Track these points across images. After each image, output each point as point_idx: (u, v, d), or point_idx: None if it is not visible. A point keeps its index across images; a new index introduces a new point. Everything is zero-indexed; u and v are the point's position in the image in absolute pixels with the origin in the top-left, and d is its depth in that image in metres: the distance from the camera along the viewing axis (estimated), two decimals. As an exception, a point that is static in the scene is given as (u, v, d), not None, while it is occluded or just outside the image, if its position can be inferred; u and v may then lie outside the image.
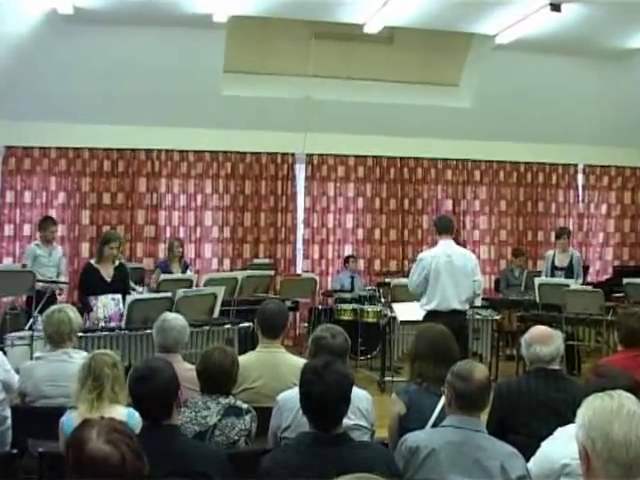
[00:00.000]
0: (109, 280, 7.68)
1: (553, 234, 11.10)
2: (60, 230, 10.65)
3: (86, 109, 10.47)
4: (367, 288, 11.17)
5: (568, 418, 2.93)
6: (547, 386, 4.17)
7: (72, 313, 4.83)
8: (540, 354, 4.20)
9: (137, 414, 3.47)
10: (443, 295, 7.08)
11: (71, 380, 4.05)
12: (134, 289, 9.00)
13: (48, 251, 9.07)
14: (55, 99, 10.25)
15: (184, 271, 9.62)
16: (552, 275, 9.93)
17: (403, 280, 9.94)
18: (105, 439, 2.17)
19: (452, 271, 7.10)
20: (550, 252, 10.34)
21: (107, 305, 7.53)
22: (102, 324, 7.36)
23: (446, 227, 7.40)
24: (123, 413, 3.65)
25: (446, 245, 7.25)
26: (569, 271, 9.93)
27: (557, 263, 10.05)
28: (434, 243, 7.67)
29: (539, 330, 4.34)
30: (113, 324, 7.35)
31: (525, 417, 4.10)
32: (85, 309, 7.42)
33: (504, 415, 4.16)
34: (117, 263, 7.81)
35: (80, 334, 5.84)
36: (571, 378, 4.61)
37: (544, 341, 4.22)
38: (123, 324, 7.10)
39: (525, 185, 12.75)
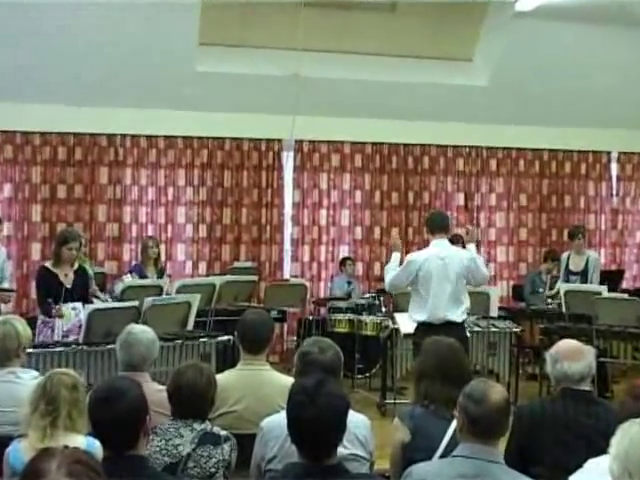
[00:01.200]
0: (69, 286, 7.66)
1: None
2: (5, 228, 10.59)
3: (37, 87, 10.42)
4: (366, 296, 11.18)
5: (601, 447, 2.92)
6: (576, 410, 4.17)
7: (20, 326, 4.81)
8: (568, 372, 4.19)
9: (97, 443, 3.45)
10: (435, 304, 7.13)
11: (18, 404, 4.02)
12: (98, 297, 8.99)
13: (-10, 253, 9.02)
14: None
15: (160, 276, 9.62)
16: (567, 281, 9.99)
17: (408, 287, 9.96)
18: (67, 471, 2.16)
19: (446, 276, 7.14)
20: (565, 254, 10.39)
21: (66, 316, 7.52)
22: (58, 337, 7.35)
23: (440, 225, 7.43)
24: (81, 442, 3.63)
25: (440, 246, 7.28)
26: (584, 276, 9.99)
27: (572, 267, 10.14)
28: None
29: (568, 344, 4.34)
30: (72, 338, 7.34)
31: (550, 446, 4.09)
32: (46, 315, 7.44)
33: (525, 443, 4.16)
34: (77, 266, 7.79)
35: (30, 350, 5.81)
36: (604, 401, 4.61)
37: (573, 357, 4.22)
38: (81, 338, 7.08)
39: (549, 176, 12.76)
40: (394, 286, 7.45)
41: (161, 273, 9.78)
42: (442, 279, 7.12)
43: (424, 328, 7.01)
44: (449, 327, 6.99)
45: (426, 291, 7.14)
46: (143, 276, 9.44)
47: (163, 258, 11.15)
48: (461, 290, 7.21)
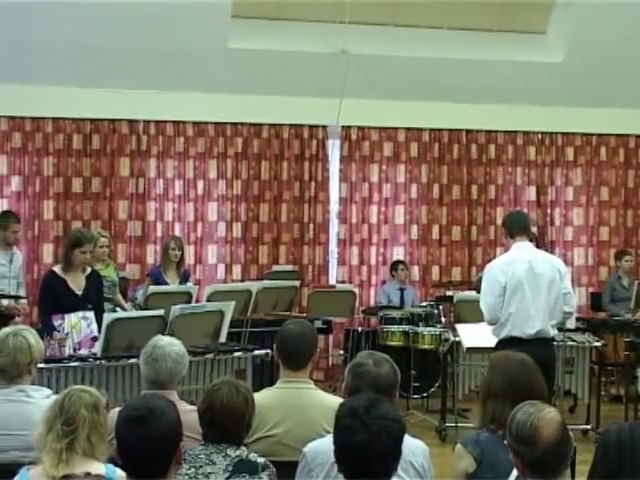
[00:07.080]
0: (80, 293, 7.72)
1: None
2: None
3: (47, 65, 10.53)
4: (422, 304, 11.16)
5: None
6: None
7: (32, 338, 4.81)
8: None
9: (118, 471, 3.46)
10: (524, 315, 7.00)
11: (29, 427, 4.04)
12: (123, 307, 9.05)
13: (8, 257, 9.08)
14: (1, 51, 10.27)
15: (183, 282, 9.65)
16: None
17: (470, 294, 9.91)
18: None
19: (535, 283, 7.02)
20: None
21: (77, 326, 7.58)
22: (70, 351, 7.41)
23: (520, 226, 7.32)
24: (101, 469, 3.63)
25: (523, 249, 7.18)
26: None
27: None
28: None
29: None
30: (84, 351, 7.39)
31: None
32: (45, 332, 7.47)
33: (611, 475, 4.09)
34: (88, 270, 7.85)
35: (41, 365, 5.85)
36: None
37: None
38: (99, 351, 7.13)
39: (636, 166, 12.66)
40: (492, 311, 7.04)
41: (184, 279, 9.78)
42: (531, 284, 6.98)
43: (506, 344, 6.78)
44: (538, 343, 6.83)
45: (511, 299, 7.01)
46: (161, 282, 9.46)
47: (192, 261, 11.22)
48: (553, 298, 7.05)
